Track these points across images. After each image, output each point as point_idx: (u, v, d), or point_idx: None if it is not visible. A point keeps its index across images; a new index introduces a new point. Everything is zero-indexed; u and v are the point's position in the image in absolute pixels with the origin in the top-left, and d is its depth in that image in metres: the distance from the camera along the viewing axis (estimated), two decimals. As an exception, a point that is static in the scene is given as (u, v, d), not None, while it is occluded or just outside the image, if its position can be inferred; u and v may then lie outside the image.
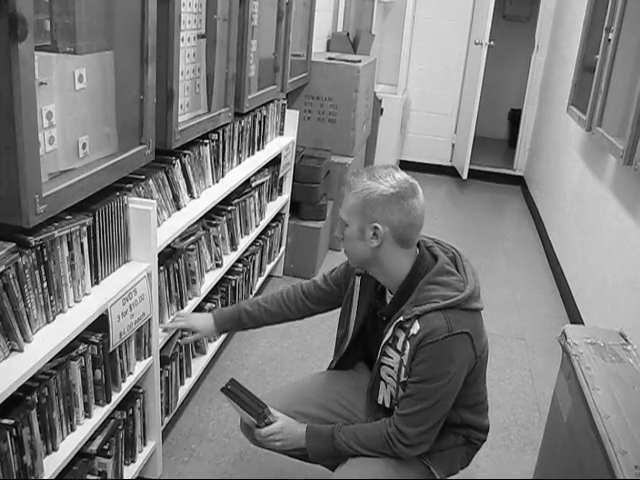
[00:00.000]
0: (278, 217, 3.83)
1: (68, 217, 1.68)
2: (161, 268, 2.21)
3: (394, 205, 1.67)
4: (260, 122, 3.36)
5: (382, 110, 5.81)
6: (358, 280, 1.96)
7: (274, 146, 3.58)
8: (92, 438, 1.87)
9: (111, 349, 1.85)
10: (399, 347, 1.75)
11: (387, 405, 1.86)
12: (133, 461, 2.17)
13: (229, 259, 2.90)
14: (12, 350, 1.52)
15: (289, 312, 2.14)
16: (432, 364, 1.68)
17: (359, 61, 4.48)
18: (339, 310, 2.07)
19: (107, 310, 1.79)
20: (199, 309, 2.66)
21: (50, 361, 1.60)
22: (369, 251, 1.73)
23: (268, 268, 3.71)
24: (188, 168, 2.47)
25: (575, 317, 3.73)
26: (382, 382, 1.85)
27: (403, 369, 1.74)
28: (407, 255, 1.76)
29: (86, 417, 1.82)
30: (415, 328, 1.69)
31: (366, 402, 1.97)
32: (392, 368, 1.78)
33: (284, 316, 2.15)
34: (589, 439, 1.77)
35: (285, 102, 3.79)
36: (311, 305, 2.13)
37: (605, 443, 1.65)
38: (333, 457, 1.85)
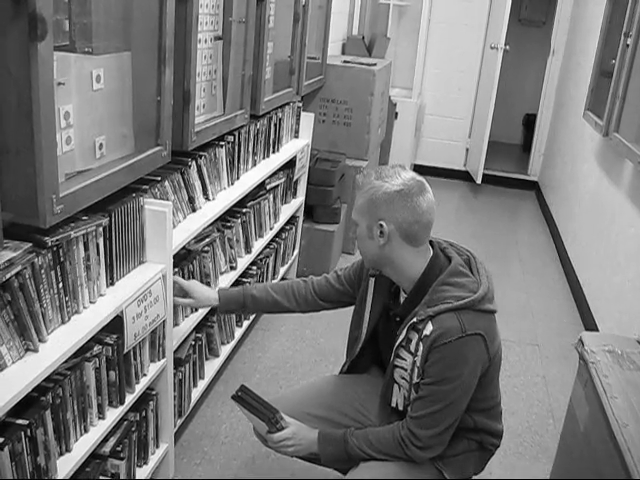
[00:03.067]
0: (292, 220, 3.82)
1: (84, 217, 1.68)
2: (176, 270, 2.20)
3: (398, 203, 1.68)
4: (275, 124, 3.36)
5: (397, 114, 5.80)
6: (372, 281, 1.95)
7: (289, 149, 3.57)
8: (105, 439, 1.87)
9: (125, 350, 1.85)
10: (412, 349, 1.74)
11: (400, 408, 1.85)
12: (146, 463, 2.17)
13: (243, 261, 2.90)
14: (27, 350, 1.52)
15: (296, 305, 2.11)
16: (445, 365, 1.67)
17: (374, 64, 4.48)
18: (351, 311, 2.06)
19: (122, 311, 1.78)
20: (213, 311, 2.66)
21: (65, 362, 1.60)
22: (378, 249, 1.74)
23: (282, 271, 3.69)
24: (204, 170, 2.47)
25: (589, 324, 3.70)
26: (395, 385, 1.83)
27: (416, 370, 1.73)
28: (419, 254, 1.75)
29: (100, 418, 1.82)
30: (428, 329, 1.68)
31: (379, 405, 1.96)
32: (405, 370, 1.77)
33: (291, 308, 2.12)
34: (607, 448, 1.75)
35: (300, 105, 3.79)
36: (321, 302, 2.11)
37: (624, 452, 1.62)
38: (346, 461, 1.84)
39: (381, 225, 1.70)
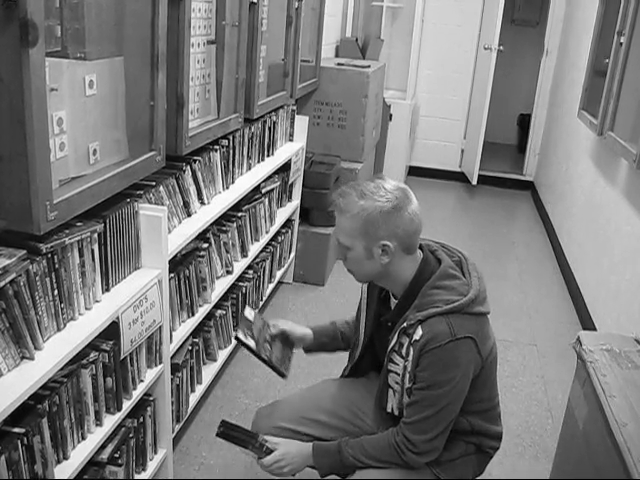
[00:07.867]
0: (288, 223, 3.82)
1: (79, 224, 1.67)
2: (172, 275, 2.20)
3: (397, 219, 1.65)
4: (270, 128, 3.35)
5: (391, 116, 5.79)
6: (365, 287, 1.95)
7: (284, 152, 3.57)
8: (103, 446, 1.86)
9: (122, 357, 1.84)
10: (403, 353, 1.73)
11: (396, 413, 1.83)
12: (144, 469, 2.16)
13: (239, 265, 2.89)
14: (23, 358, 1.51)
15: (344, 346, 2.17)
16: (436, 370, 1.66)
17: (368, 66, 4.47)
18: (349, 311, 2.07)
19: (118, 317, 1.77)
20: (210, 316, 2.65)
21: (61, 369, 1.59)
22: (379, 267, 1.72)
23: (278, 274, 3.69)
24: (198, 174, 2.46)
25: (587, 323, 3.69)
26: (390, 390, 1.82)
27: (407, 375, 1.72)
28: (412, 261, 1.75)
29: (97, 425, 1.81)
30: (418, 334, 1.67)
31: (374, 410, 1.95)
32: (398, 375, 1.77)
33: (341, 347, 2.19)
34: (606, 448, 1.75)
35: (295, 108, 3.79)
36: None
37: (623, 452, 1.62)
38: (343, 472, 1.83)
39: (384, 245, 1.67)
